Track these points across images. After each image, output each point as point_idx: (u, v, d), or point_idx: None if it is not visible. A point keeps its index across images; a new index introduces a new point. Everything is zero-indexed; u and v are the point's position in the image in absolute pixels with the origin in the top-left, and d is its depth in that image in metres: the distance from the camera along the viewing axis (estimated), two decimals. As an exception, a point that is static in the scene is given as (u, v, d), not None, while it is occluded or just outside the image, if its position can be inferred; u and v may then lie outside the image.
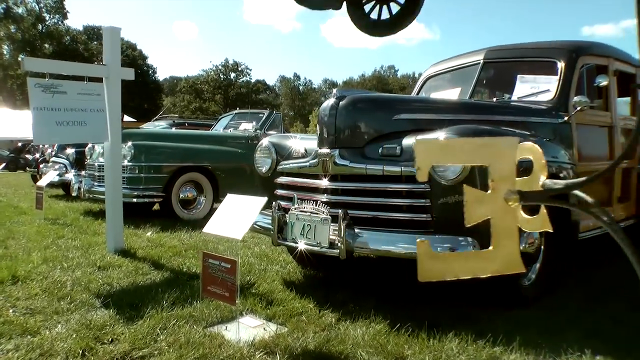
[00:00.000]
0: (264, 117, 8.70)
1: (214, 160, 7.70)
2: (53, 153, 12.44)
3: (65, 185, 11.16)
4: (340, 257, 3.18)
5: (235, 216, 2.97)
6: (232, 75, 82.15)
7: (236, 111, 9.62)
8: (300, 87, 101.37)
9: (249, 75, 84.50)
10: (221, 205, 3.23)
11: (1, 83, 63.75)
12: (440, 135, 3.10)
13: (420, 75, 6.21)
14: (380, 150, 3.38)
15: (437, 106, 4.11)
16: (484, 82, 5.35)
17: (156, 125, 11.74)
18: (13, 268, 4.13)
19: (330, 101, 3.57)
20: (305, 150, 3.90)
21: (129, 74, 5.10)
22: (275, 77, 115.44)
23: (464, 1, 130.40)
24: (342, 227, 3.15)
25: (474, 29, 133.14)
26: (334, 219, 3.24)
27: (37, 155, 17.08)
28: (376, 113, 3.63)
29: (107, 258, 4.68)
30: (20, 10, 66.82)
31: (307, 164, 3.69)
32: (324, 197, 3.52)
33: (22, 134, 38.08)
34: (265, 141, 4.27)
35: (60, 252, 4.97)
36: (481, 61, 5.08)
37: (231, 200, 3.15)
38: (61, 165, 11.44)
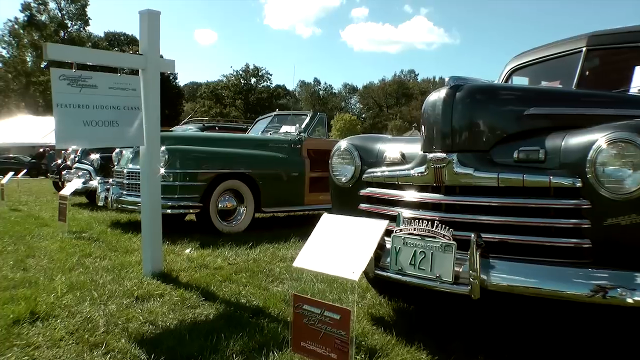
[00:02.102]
0: (307, 119, 7.88)
1: (256, 167, 6.90)
2: (76, 159, 11.78)
3: (89, 193, 10.45)
4: (472, 297, 2.34)
5: (341, 245, 2.15)
6: (253, 80, 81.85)
7: (275, 113, 8.81)
8: (321, 92, 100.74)
9: (269, 80, 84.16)
10: (315, 229, 2.41)
11: (24, 90, 64.02)
12: (608, 134, 2.26)
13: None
14: (515, 154, 2.54)
15: (583, 99, 3.24)
16: (587, 73, 4.47)
17: (185, 129, 11.02)
18: (33, 300, 3.36)
19: (441, 92, 2.73)
20: (403, 155, 3.07)
21: (170, 65, 4.33)
22: (296, 81, 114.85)
23: (484, 6, 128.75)
24: (475, 256, 2.31)
25: (494, 33, 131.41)
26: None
27: (59, 161, 16.50)
28: (503, 106, 2.78)
29: (144, 284, 3.88)
30: (43, 17, 67.19)
31: (412, 172, 2.85)
32: (434, 215, 2.68)
33: (43, 140, 37.89)
34: (344, 143, 3.45)
35: (88, 275, 4.19)
36: (583, 49, 4.21)
37: (330, 223, 2.33)
38: (85, 171, 10.77)
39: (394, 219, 2.87)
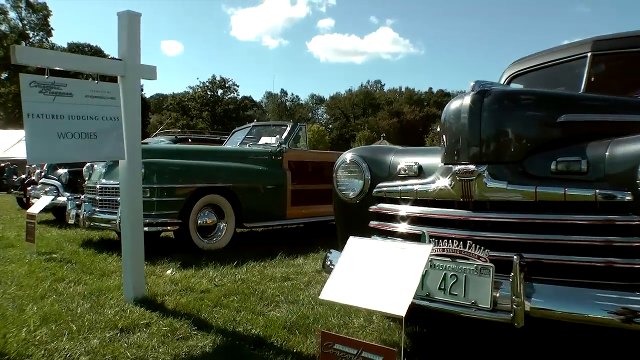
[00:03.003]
0: (287, 129, 7.57)
1: (237, 180, 6.56)
2: (42, 173, 11.22)
3: (56, 209, 9.93)
4: (516, 325, 2.08)
5: (378, 274, 1.86)
6: (220, 91, 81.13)
7: (253, 123, 8.48)
8: (288, 103, 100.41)
9: (236, 91, 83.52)
10: (344, 255, 2.11)
11: (-17, 102, 62.15)
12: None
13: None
14: (552, 165, 2.29)
15: (622, 105, 3.02)
16: (593, 79, 4.30)
17: (157, 142, 10.59)
18: (1, 337, 2.97)
19: (465, 99, 2.48)
20: (420, 168, 2.79)
21: (151, 72, 3.98)
22: (262, 93, 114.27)
23: (448, 18, 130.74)
24: (518, 279, 2.04)
25: (458, 44, 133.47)
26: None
27: (23, 176, 15.81)
28: (535, 113, 2.54)
29: (128, 312, 3.51)
30: (3, 27, 65.49)
31: (434, 186, 2.57)
32: (463, 234, 2.41)
33: (4, 154, 36.69)
34: (350, 155, 3.16)
35: (63, 303, 3.80)
36: (588, 54, 4.04)
37: (359, 248, 2.03)
38: (52, 187, 10.23)
39: (411, 237, 2.61)
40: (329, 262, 3.15)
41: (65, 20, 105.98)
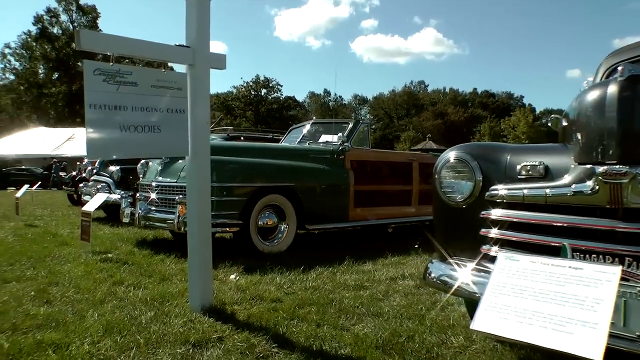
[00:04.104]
0: (349, 127, 7.19)
1: (299, 179, 6.20)
2: (94, 170, 11.14)
3: (108, 207, 9.78)
4: None
5: (543, 301, 1.45)
6: (263, 91, 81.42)
7: (312, 120, 8.13)
8: (330, 103, 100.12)
9: (279, 91, 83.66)
10: (495, 276, 1.70)
11: (36, 101, 64.04)
12: None
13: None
14: None
15: None
16: None
17: (210, 139, 10.35)
18: (64, 349, 2.68)
19: (611, 86, 2.04)
20: (546, 168, 2.36)
21: (221, 61, 3.65)
22: (305, 93, 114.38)
23: (493, 17, 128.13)
24: None
25: (502, 43, 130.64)
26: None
27: (74, 173, 15.90)
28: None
29: (196, 323, 3.19)
30: (55, 29, 67.36)
31: (571, 189, 2.14)
32: (616, 248, 1.97)
33: (55, 152, 37.53)
34: (456, 152, 2.75)
35: (125, 310, 3.50)
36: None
37: (516, 267, 1.62)
38: (104, 184, 10.12)
39: (541, 250, 2.18)
40: (432, 276, 2.76)
41: (114, 21, 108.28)
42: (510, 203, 2.42)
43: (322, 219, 6.44)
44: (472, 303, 2.99)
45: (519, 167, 2.46)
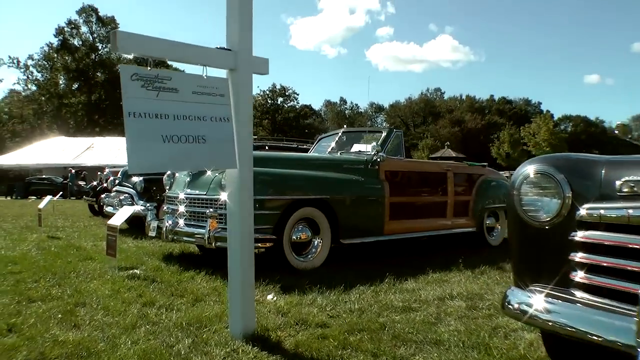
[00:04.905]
0: (383, 136, 6.88)
1: (333, 192, 5.90)
2: (116, 181, 10.95)
3: (131, 218, 9.55)
4: None
5: None
6: (280, 100, 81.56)
7: (343, 129, 7.83)
8: (347, 111, 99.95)
9: (296, 100, 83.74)
10: None
11: (56, 111, 64.73)
12: None
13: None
14: None
15: None
16: None
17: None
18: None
19: None
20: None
21: (263, 66, 3.37)
22: (321, 101, 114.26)
23: (509, 24, 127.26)
24: None
25: (519, 51, 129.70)
26: None
27: (95, 183, 15.77)
28: None
29: (240, 354, 2.89)
30: (75, 41, 68.23)
31: None
32: None
33: (75, 161, 37.74)
34: (538, 165, 2.43)
35: (160, 337, 3.22)
36: None
37: None
38: (126, 195, 9.90)
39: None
40: (512, 305, 2.43)
41: (133, 31, 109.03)
42: (610, 224, 2.09)
43: (357, 232, 6.13)
44: (552, 335, 2.68)
45: (618, 182, 2.14)
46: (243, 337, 3.15)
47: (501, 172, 10.93)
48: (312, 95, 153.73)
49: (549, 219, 2.32)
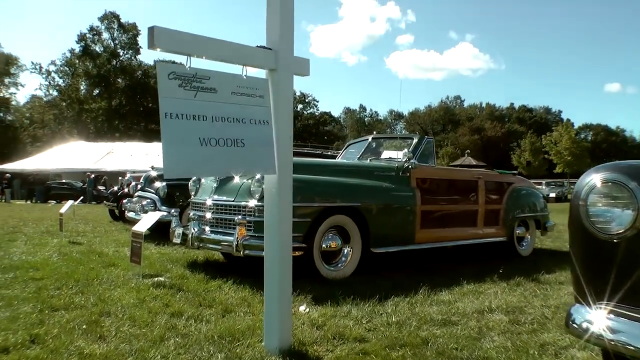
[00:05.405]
0: (414, 143, 6.68)
1: (365, 199, 5.71)
2: (138, 186, 10.86)
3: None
4: None
5: None
6: (299, 106, 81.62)
7: (373, 136, 7.63)
8: (366, 119, 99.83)
9: (316, 107, 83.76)
10: None
11: (77, 117, 65.43)
12: None
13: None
14: None
15: None
16: None
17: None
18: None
19: None
20: None
21: (304, 66, 3.20)
22: (341, 108, 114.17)
23: (529, 33, 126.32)
24: None
25: (538, 57, 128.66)
26: None
27: (115, 188, 15.74)
28: None
29: (279, 373, 2.71)
30: (97, 47, 69.03)
31: None
32: None
33: (95, 165, 37.95)
34: (605, 174, 2.22)
35: (191, 352, 3.05)
36: None
37: None
38: (149, 201, 9.79)
39: None
40: (576, 324, 2.22)
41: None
42: None
43: (387, 241, 5.93)
44: (617, 356, 2.45)
45: None
46: (279, 352, 2.96)
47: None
48: (331, 102, 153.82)
49: (620, 231, 2.11)
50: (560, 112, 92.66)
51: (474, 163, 38.44)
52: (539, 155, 52.87)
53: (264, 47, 2.97)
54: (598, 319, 2.17)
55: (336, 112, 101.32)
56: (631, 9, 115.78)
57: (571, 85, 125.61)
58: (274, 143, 2.91)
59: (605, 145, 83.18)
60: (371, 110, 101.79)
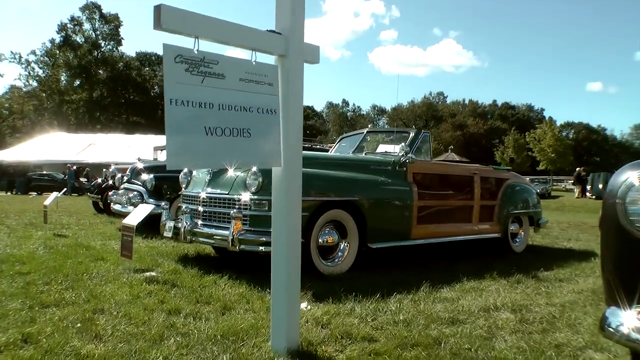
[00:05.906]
0: (411, 137, 6.56)
1: (362, 193, 5.58)
2: (124, 178, 10.61)
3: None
4: None
5: None
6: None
7: (367, 129, 7.49)
8: (349, 114, 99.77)
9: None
10: None
11: (57, 108, 64.40)
12: None
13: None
14: None
15: None
16: None
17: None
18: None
19: None
20: None
21: (314, 54, 3.06)
22: (324, 103, 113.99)
23: (512, 31, 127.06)
24: None
25: (522, 55, 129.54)
26: None
27: (99, 180, 15.42)
28: None
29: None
30: (78, 38, 67.94)
31: None
32: None
33: (76, 157, 37.36)
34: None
35: (194, 352, 2.90)
36: None
37: None
38: (135, 193, 9.56)
39: None
40: (612, 327, 2.11)
41: (134, 30, 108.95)
42: None
43: (384, 236, 5.81)
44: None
45: None
46: (288, 353, 2.83)
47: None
48: (314, 96, 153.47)
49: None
50: (542, 110, 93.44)
51: (457, 159, 38.49)
52: (523, 152, 53.19)
53: (273, 31, 2.82)
54: (636, 322, 2.06)
55: (319, 107, 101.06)
56: (614, 10, 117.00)
57: (554, 84, 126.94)
58: (280, 134, 2.77)
59: (586, 143, 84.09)
60: (354, 105, 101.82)
